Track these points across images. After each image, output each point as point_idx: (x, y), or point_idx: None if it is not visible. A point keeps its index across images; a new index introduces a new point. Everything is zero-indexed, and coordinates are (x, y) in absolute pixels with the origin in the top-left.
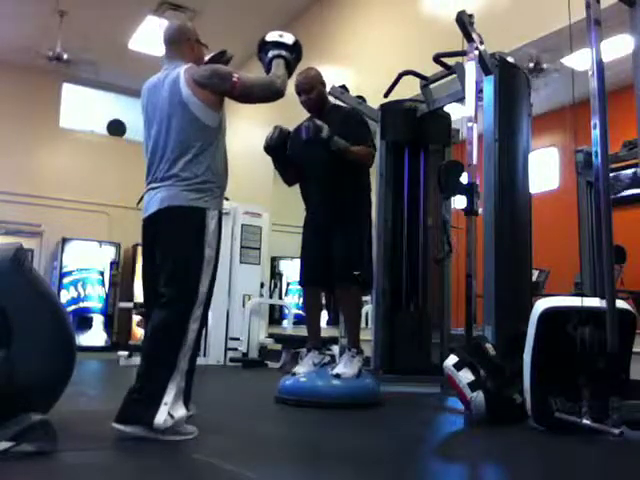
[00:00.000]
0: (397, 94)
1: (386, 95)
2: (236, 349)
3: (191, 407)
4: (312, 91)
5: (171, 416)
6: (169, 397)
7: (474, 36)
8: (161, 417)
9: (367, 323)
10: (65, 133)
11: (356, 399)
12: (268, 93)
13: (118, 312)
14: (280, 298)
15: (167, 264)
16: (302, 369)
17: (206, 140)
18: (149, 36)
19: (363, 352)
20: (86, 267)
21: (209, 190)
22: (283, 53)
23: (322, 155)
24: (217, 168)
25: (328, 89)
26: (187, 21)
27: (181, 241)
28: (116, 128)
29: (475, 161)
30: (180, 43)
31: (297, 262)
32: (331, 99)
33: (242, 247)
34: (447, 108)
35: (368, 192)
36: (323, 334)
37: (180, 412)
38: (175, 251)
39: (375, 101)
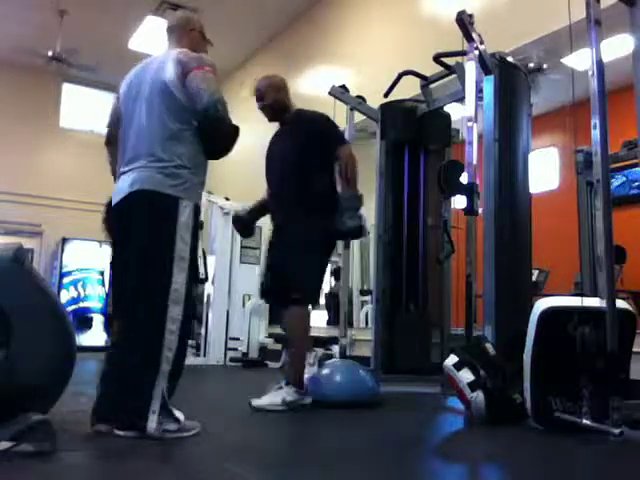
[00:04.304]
0: (397, 94)
1: (386, 95)
2: (236, 349)
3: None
4: (264, 98)
5: (176, 420)
6: (156, 405)
7: (474, 36)
8: (152, 425)
9: (367, 323)
10: (65, 133)
11: (356, 399)
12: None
13: None
14: None
15: (134, 257)
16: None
17: (185, 123)
18: (149, 36)
19: (304, 388)
20: (86, 267)
21: (183, 177)
22: None
23: (289, 171)
24: (195, 157)
25: (328, 89)
26: (193, 14)
27: (149, 231)
28: None
29: (475, 161)
30: (178, 30)
31: None
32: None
33: (242, 247)
34: (447, 108)
35: (322, 199)
36: (323, 334)
37: (177, 416)
38: (142, 242)
39: (375, 101)
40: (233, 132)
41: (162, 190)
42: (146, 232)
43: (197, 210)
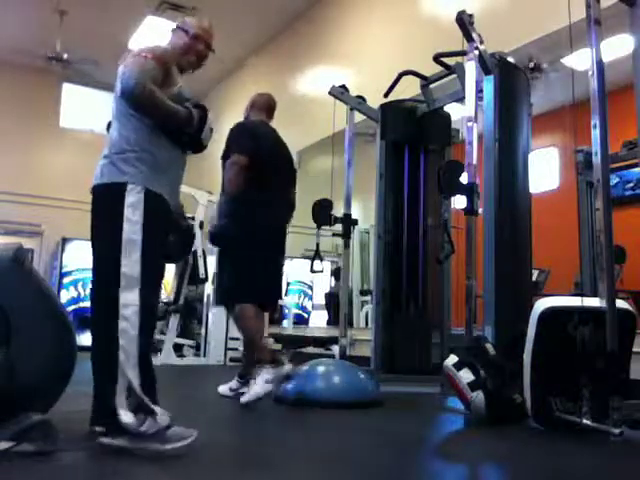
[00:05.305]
0: (397, 94)
1: (386, 95)
2: (236, 349)
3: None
4: None
5: (149, 417)
6: (121, 398)
7: (474, 36)
8: (127, 420)
9: (367, 323)
10: (65, 133)
11: (356, 399)
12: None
13: None
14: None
15: (93, 249)
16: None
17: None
18: (149, 36)
19: (276, 360)
20: (86, 267)
21: (129, 162)
22: None
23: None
24: (145, 141)
25: (328, 89)
26: (197, 19)
27: (96, 221)
28: None
29: (475, 161)
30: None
31: (297, 261)
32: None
33: None
34: (447, 108)
35: (253, 205)
36: (323, 334)
37: (156, 410)
38: (92, 233)
39: (375, 101)
40: (161, 106)
41: (108, 180)
42: (94, 225)
43: (152, 195)
